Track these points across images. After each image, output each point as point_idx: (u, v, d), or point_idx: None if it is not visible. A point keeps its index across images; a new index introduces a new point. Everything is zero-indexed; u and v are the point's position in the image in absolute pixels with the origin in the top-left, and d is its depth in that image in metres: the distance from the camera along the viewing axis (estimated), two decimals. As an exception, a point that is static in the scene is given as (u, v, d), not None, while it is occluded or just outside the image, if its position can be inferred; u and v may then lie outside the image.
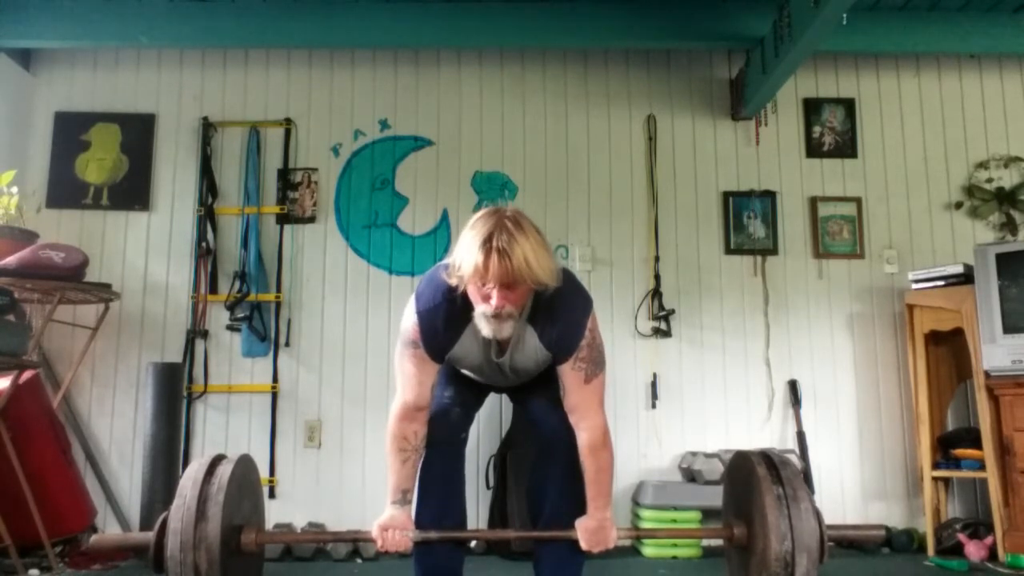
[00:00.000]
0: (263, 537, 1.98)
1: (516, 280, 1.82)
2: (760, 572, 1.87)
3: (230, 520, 1.82)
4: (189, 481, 1.83)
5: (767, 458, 1.99)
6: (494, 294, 1.83)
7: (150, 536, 1.81)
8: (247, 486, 1.99)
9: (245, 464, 1.96)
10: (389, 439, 2.03)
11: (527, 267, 1.81)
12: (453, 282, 1.89)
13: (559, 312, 1.97)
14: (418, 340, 1.97)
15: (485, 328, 1.89)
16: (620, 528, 2.06)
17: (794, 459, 3.66)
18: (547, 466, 2.14)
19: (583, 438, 2.02)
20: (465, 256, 1.84)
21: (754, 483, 1.92)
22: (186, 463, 3.68)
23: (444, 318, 1.95)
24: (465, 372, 2.22)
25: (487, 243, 1.81)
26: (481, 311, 1.88)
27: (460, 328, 1.97)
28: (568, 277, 2.03)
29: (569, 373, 1.98)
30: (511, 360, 2.04)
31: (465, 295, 1.92)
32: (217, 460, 1.91)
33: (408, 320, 2.01)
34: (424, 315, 1.96)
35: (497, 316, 1.85)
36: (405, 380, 2.02)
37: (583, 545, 1.99)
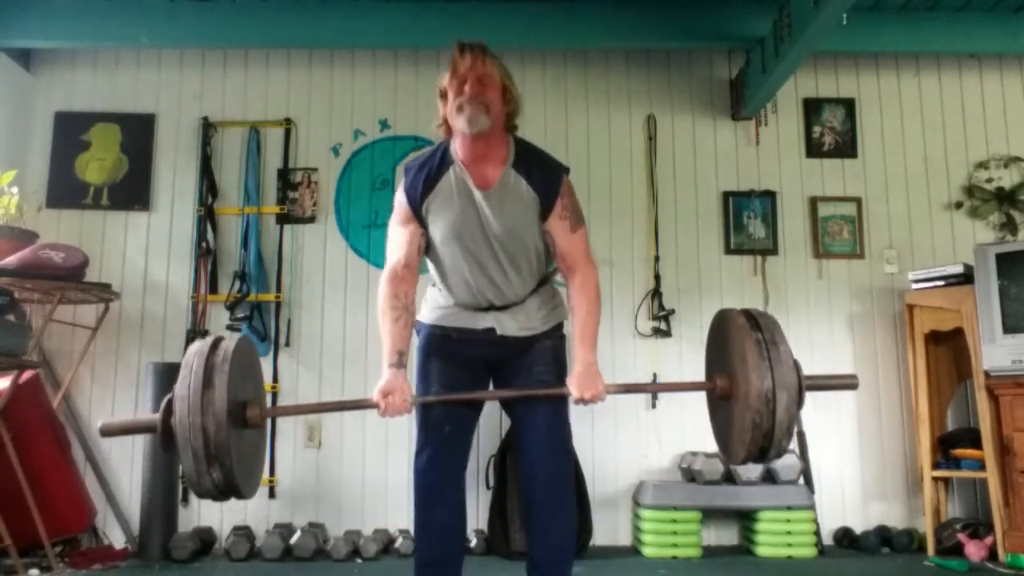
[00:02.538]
0: (267, 412, 2.04)
1: (487, 69, 2.05)
2: (744, 412, 1.91)
3: (235, 394, 1.84)
4: (194, 355, 1.85)
5: (746, 311, 2.07)
6: (467, 87, 2.03)
7: (156, 417, 1.83)
8: (249, 366, 2.02)
9: (246, 343, 2.00)
10: (380, 301, 2.09)
11: (496, 64, 2.07)
12: (439, 117, 2.12)
13: (539, 160, 2.14)
14: (403, 197, 2.13)
15: (462, 122, 2.02)
16: (609, 384, 2.02)
17: (794, 459, 3.67)
18: (535, 466, 2.11)
19: (575, 282, 2.12)
20: (442, 73, 2.12)
21: (734, 332, 2.00)
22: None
23: (426, 164, 2.12)
24: (452, 284, 2.20)
25: (460, 47, 2.08)
26: (457, 104, 2.04)
27: (440, 173, 2.10)
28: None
29: (557, 223, 2.12)
30: (501, 207, 2.07)
31: (447, 150, 2.10)
32: (219, 339, 1.95)
33: (398, 186, 2.18)
34: (409, 169, 2.16)
35: (473, 100, 2.01)
36: (392, 242, 2.19)
37: (575, 393, 1.98)
